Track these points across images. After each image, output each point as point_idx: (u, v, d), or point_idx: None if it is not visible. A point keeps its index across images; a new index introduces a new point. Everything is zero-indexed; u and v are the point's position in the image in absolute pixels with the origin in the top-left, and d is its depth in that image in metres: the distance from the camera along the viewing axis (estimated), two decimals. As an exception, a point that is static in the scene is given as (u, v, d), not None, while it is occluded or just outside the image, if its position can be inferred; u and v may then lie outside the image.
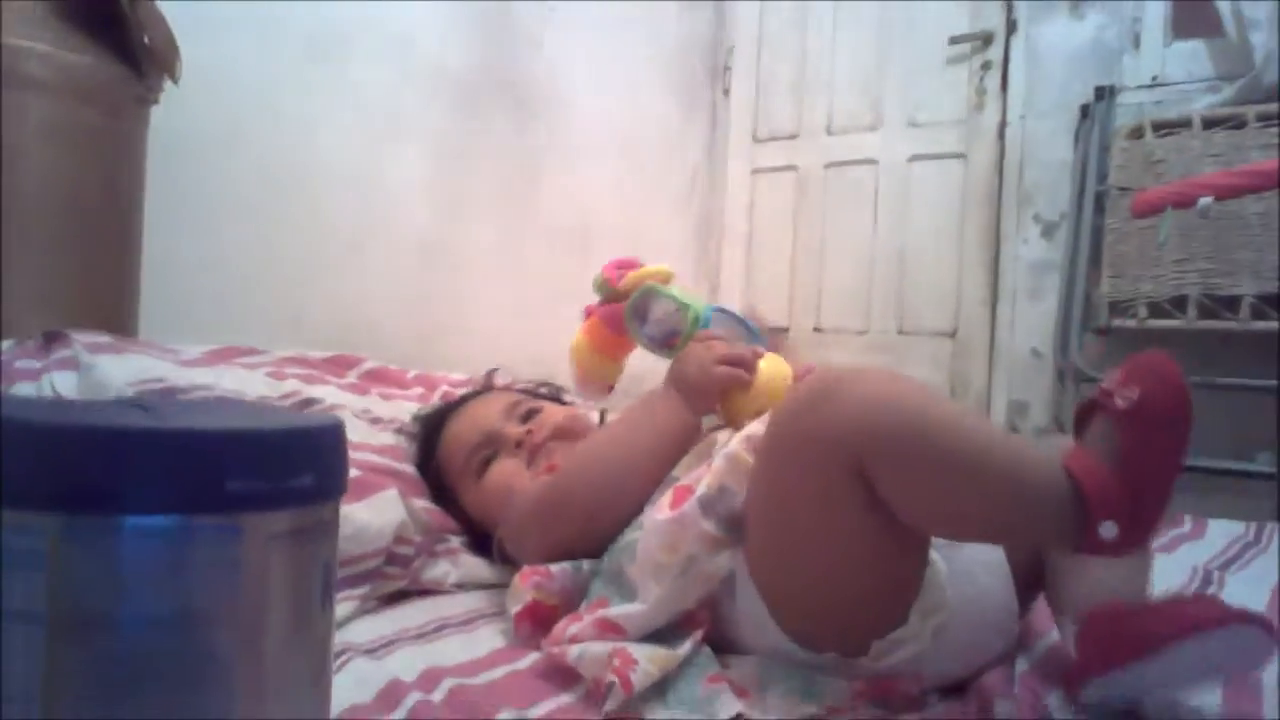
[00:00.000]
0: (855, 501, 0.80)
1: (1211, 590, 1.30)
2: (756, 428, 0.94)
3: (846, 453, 0.78)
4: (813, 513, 0.83)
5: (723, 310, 1.24)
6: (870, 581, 0.85)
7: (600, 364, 1.26)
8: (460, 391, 1.52)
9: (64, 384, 1.25)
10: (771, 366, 1.12)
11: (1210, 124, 2.65)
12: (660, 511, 0.92)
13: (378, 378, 1.57)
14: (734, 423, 1.10)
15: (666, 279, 1.20)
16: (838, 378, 0.82)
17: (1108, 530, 0.74)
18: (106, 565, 0.47)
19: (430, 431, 1.33)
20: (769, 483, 0.87)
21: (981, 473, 0.78)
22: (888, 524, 0.81)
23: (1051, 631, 1.05)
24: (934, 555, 0.87)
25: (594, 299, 1.26)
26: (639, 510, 1.04)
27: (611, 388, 1.29)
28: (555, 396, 1.44)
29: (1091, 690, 0.83)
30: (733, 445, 0.93)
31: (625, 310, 1.18)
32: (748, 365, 1.11)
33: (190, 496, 0.49)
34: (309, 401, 1.36)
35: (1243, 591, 1.28)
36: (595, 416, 1.42)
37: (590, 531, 1.04)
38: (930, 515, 0.81)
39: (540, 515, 1.09)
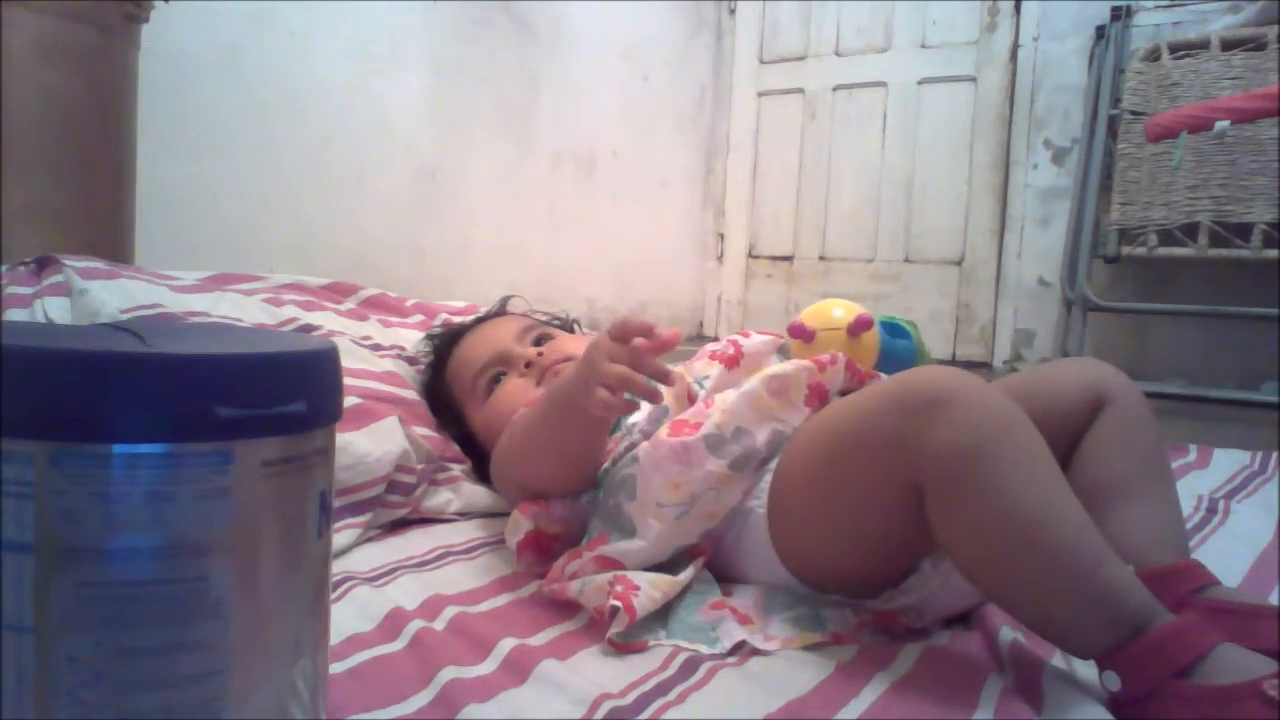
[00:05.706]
0: (911, 512, 0.76)
1: (1216, 520, 1.30)
2: (782, 368, 0.92)
3: (934, 467, 0.73)
4: (866, 499, 0.80)
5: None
6: (899, 551, 0.85)
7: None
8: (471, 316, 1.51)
9: (56, 310, 1.23)
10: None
11: (1229, 45, 2.58)
12: (658, 446, 0.91)
13: (376, 305, 1.55)
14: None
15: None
16: (957, 389, 0.74)
17: (1110, 681, 0.68)
18: (96, 494, 0.46)
19: (442, 349, 1.32)
20: (833, 457, 0.83)
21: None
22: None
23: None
24: None
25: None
26: (574, 468, 0.98)
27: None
28: (569, 328, 1.42)
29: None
30: (754, 384, 0.91)
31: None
32: (634, 386, 0.82)
33: (180, 424, 0.47)
34: (307, 329, 1.34)
35: (1248, 520, 1.28)
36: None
37: (539, 489, 1.00)
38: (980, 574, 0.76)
39: (497, 468, 1.08)
